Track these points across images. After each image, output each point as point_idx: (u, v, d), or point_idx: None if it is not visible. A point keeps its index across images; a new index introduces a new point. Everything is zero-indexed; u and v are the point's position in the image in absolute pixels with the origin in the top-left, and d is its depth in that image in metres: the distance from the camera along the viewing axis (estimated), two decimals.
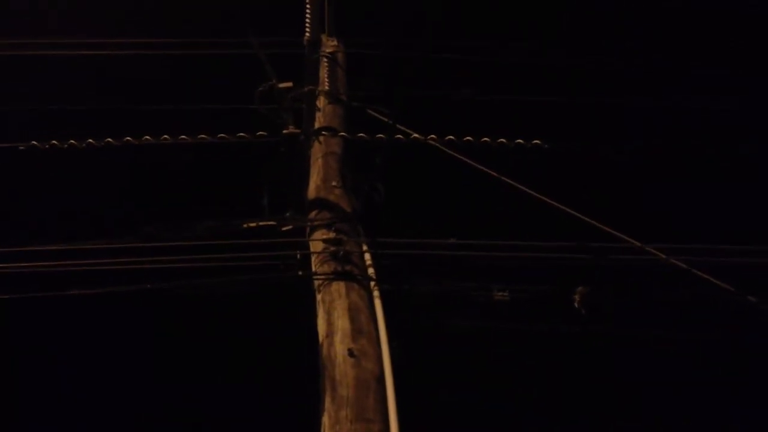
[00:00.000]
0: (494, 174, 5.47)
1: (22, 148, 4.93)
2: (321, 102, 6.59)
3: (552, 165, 5.44)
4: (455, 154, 5.36)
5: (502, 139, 5.17)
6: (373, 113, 6.50)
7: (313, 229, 5.29)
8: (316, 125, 6.27)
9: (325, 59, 6.80)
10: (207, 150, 5.25)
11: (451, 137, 5.30)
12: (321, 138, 6.10)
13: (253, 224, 5.47)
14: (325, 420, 3.85)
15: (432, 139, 5.41)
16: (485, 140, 5.18)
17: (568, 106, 5.95)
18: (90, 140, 4.98)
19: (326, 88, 6.56)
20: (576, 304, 4.94)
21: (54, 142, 4.95)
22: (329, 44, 7.43)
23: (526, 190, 5.31)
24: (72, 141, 4.95)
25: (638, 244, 4.80)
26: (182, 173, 5.46)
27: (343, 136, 6.10)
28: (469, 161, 5.30)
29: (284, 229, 5.52)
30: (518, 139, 5.18)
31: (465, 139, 5.26)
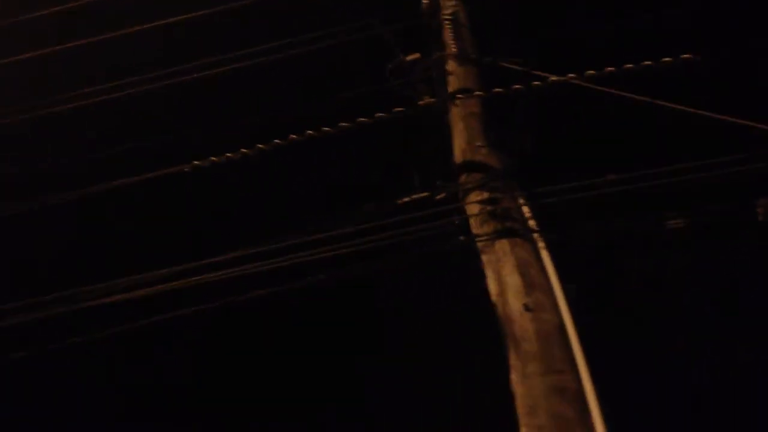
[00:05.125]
0: (646, 99, 5.17)
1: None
2: (451, 66, 6.53)
3: (705, 77, 5.05)
4: (599, 88, 5.12)
5: (647, 62, 4.86)
6: (506, 65, 6.34)
7: (467, 192, 5.25)
8: (450, 90, 6.23)
9: (447, 21, 6.72)
10: (348, 138, 5.36)
11: (591, 71, 5.06)
12: (457, 101, 6.05)
13: (407, 199, 5.54)
14: (514, 377, 3.85)
15: (572, 77, 5.20)
16: (628, 66, 4.90)
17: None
18: (243, 150, 5.21)
19: (453, 50, 6.48)
20: (761, 217, 4.60)
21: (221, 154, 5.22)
22: (448, 5, 7.33)
23: (683, 108, 4.97)
24: (229, 154, 5.21)
25: None
26: (330, 165, 5.62)
27: (479, 95, 6.01)
28: (615, 92, 5.03)
29: (438, 198, 5.53)
30: (665, 57, 4.84)
31: (607, 70, 5.00)
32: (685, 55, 4.78)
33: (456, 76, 6.45)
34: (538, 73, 5.59)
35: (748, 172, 4.59)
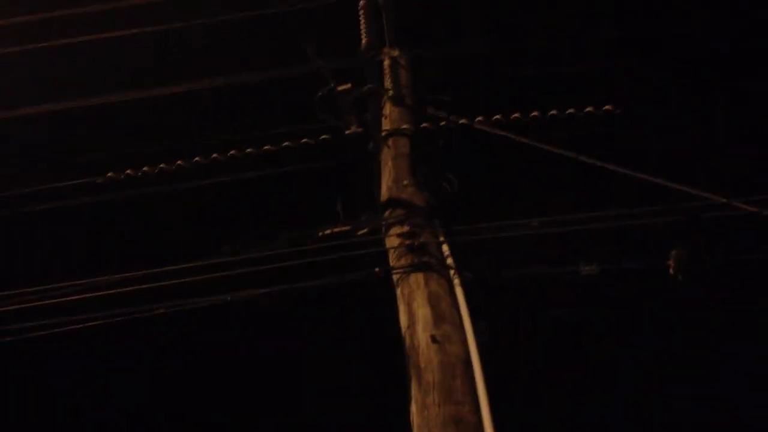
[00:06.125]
0: (566, 153, 5.25)
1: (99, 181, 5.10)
2: (387, 108, 6.60)
3: (624, 133, 5.18)
4: (518, 138, 5.17)
5: (570, 110, 4.98)
6: (435, 111, 6.42)
7: (388, 227, 5.24)
8: (383, 130, 6.28)
9: (387, 63, 6.80)
10: (274, 163, 5.29)
11: (517, 115, 5.14)
12: (389, 142, 6.10)
13: (328, 231, 5.49)
14: (413, 408, 3.76)
15: (497, 120, 5.27)
16: (552, 113, 5.00)
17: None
18: (162, 165, 5.10)
19: (390, 92, 6.55)
20: (672, 270, 4.66)
21: (128, 171, 5.11)
22: (391, 53, 7.45)
23: (603, 165, 5.05)
24: (145, 168, 5.09)
25: (723, 199, 4.45)
26: (253, 188, 5.54)
27: (409, 137, 6.07)
28: (527, 141, 5.09)
29: (360, 233, 5.49)
30: (588, 107, 4.96)
31: (531, 114, 5.09)
32: (606, 107, 4.90)
33: (390, 117, 6.52)
34: (464, 120, 5.67)
35: (664, 225, 4.67)
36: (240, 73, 6.34)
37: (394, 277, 4.74)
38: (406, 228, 4.99)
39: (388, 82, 6.80)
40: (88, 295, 4.87)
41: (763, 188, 4.46)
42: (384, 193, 5.68)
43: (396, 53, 7.44)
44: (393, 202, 5.48)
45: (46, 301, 4.79)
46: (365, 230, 5.49)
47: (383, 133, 6.22)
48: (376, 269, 4.78)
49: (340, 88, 5.57)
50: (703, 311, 5.15)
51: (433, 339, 4.04)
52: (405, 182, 5.65)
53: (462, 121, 5.40)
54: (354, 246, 5.01)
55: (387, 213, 5.42)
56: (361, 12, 6.59)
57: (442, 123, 5.42)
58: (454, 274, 4.62)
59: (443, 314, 4.26)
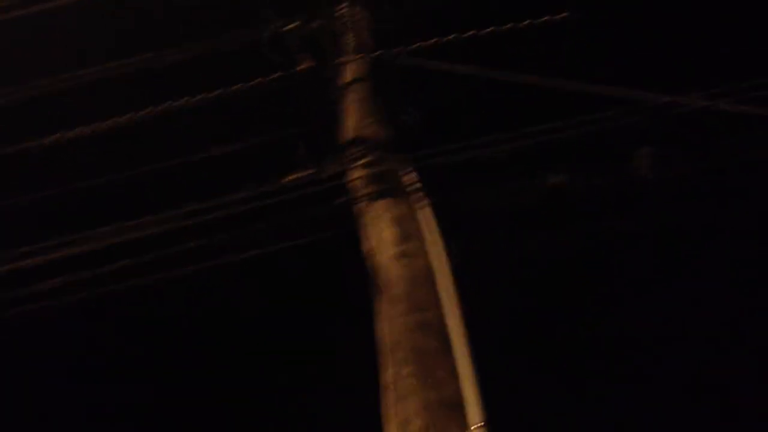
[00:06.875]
0: (526, 80, 5.07)
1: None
2: (345, 55, 6.48)
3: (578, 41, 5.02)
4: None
5: (527, 20, 4.82)
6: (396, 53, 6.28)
7: (351, 163, 5.12)
8: (346, 79, 6.16)
9: (345, 8, 6.67)
10: (228, 110, 5.14)
11: (473, 32, 4.98)
12: (350, 87, 5.99)
13: (292, 177, 5.38)
14: (381, 322, 3.63)
15: (453, 39, 5.12)
16: (507, 26, 4.84)
17: None
18: (114, 118, 4.94)
19: (347, 36, 6.42)
20: (642, 171, 4.53)
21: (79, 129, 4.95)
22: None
23: (547, 81, 4.88)
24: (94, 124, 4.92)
25: (668, 98, 4.29)
26: (210, 137, 5.37)
27: (368, 80, 5.96)
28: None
29: (325, 175, 5.37)
30: (544, 16, 4.81)
31: (488, 30, 4.92)
32: (563, 14, 4.76)
33: (348, 64, 6.39)
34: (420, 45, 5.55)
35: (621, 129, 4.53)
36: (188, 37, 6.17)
37: (359, 208, 4.62)
38: (368, 159, 4.88)
39: (344, 22, 6.68)
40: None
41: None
42: (347, 133, 5.57)
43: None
44: (355, 140, 5.36)
45: None
46: (330, 173, 5.37)
47: (344, 81, 6.12)
48: (338, 201, 4.68)
49: (288, 27, 5.40)
50: (673, 210, 5.02)
51: (398, 255, 3.92)
52: (367, 121, 5.55)
53: (416, 45, 5.24)
54: (319, 183, 4.89)
55: (350, 150, 5.31)
56: None
57: (399, 53, 5.24)
58: (419, 198, 4.51)
59: (408, 234, 4.15)
